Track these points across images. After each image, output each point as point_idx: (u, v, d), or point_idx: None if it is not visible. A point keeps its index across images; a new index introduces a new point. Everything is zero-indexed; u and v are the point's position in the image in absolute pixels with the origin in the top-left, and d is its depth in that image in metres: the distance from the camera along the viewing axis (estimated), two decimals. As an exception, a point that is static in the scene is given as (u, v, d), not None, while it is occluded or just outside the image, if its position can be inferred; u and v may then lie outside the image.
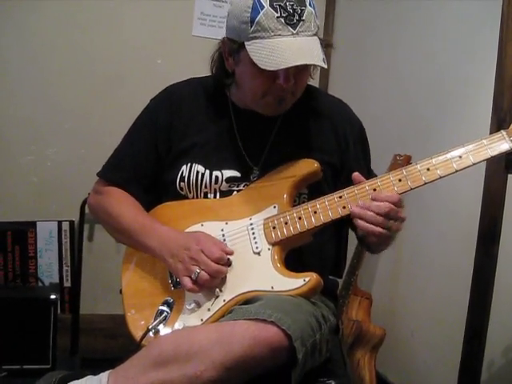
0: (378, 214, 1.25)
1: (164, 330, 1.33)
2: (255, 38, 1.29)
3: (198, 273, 1.31)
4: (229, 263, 1.34)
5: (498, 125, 1.78)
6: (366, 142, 1.59)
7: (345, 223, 1.51)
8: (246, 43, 1.31)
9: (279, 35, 1.29)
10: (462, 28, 2.06)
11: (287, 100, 1.41)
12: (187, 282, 1.32)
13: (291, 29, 1.29)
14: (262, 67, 1.28)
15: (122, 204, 1.51)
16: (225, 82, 1.50)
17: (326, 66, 1.31)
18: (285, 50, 1.28)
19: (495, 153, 1.25)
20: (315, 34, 1.33)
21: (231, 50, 1.39)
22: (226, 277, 1.34)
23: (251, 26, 1.29)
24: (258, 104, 1.43)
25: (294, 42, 1.29)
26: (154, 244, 1.41)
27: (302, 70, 1.36)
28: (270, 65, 1.27)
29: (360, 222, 1.28)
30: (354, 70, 2.74)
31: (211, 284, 1.32)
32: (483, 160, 1.26)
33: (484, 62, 1.91)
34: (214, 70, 1.51)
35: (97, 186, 1.60)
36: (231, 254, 1.36)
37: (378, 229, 1.26)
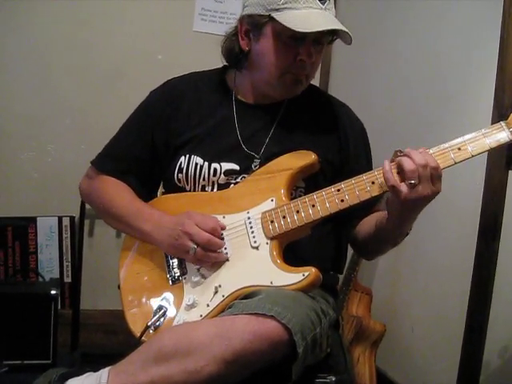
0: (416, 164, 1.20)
1: (163, 326, 1.32)
2: (285, 8, 1.33)
3: (195, 248, 1.31)
4: (222, 237, 1.35)
5: (499, 120, 1.77)
6: (367, 142, 1.58)
7: (346, 221, 1.51)
8: (275, 14, 1.33)
9: (310, 7, 1.33)
10: (463, 24, 2.05)
11: (303, 81, 1.43)
12: (191, 258, 1.33)
13: (320, 4, 1.34)
14: (298, 30, 1.30)
15: (116, 189, 1.51)
16: (236, 66, 1.50)
17: (351, 42, 1.34)
18: (317, 17, 1.32)
19: (494, 143, 1.24)
20: None
21: (252, 27, 1.40)
22: (224, 272, 1.33)
23: None
24: (274, 84, 1.43)
25: (324, 13, 1.34)
26: (149, 228, 1.40)
27: (318, 53, 1.40)
28: (306, 27, 1.30)
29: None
30: (355, 66, 2.73)
31: (210, 258, 1.33)
32: (483, 152, 1.25)
33: (485, 58, 1.90)
34: (225, 53, 1.50)
35: (90, 172, 1.59)
36: (224, 228, 1.36)
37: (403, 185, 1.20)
